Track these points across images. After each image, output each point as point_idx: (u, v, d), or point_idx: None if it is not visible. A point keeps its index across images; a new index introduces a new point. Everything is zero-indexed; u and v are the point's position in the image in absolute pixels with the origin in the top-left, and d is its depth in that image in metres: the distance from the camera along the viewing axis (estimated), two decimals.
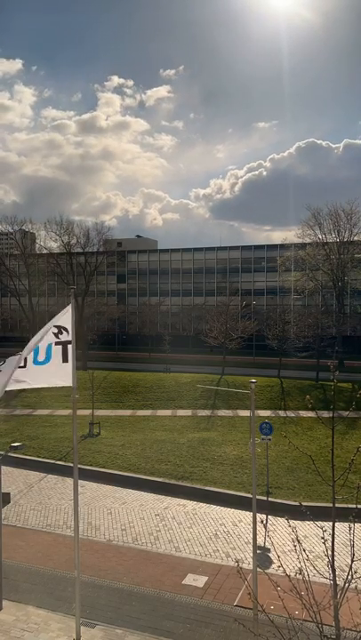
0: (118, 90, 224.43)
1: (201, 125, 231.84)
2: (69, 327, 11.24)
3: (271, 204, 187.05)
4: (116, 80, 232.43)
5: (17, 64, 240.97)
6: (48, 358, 11.09)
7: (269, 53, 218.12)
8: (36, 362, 11.00)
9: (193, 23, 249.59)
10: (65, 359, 11.16)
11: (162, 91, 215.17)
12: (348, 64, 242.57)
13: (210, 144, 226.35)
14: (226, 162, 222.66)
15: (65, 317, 11.36)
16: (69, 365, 11.21)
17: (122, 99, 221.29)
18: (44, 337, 11.05)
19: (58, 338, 11.14)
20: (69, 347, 11.21)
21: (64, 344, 11.17)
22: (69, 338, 11.21)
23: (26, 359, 10.82)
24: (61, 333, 11.17)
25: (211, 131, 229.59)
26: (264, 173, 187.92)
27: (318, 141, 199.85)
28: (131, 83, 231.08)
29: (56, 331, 11.15)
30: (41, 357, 11.04)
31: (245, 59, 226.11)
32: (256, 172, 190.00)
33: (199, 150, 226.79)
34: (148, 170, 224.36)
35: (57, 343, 11.13)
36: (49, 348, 11.08)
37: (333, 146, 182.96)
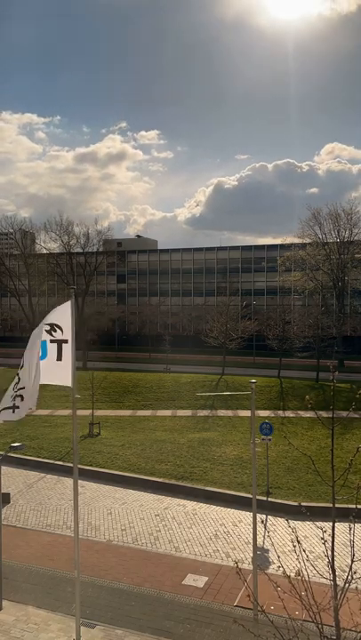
0: (121, 132, 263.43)
1: (187, 157, 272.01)
2: (66, 326, 11.12)
3: (250, 213, 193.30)
4: (121, 124, 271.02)
5: (46, 119, 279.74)
6: (44, 355, 11.14)
7: (251, 93, 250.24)
8: (41, 357, 11.13)
9: (185, 93, 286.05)
10: (59, 357, 11.13)
11: (152, 134, 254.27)
12: (335, 100, 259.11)
13: (195, 170, 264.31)
14: (205, 183, 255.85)
15: (59, 315, 11.23)
16: (66, 365, 11.13)
17: (122, 138, 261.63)
18: (41, 334, 11.07)
19: (52, 335, 11.08)
20: (64, 345, 11.11)
21: (59, 342, 11.11)
22: (64, 337, 11.09)
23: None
24: (55, 331, 11.06)
25: (195, 161, 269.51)
26: (240, 183, 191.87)
27: (290, 160, 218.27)
28: (130, 128, 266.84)
29: (48, 328, 11.08)
30: (41, 354, 11.14)
31: (227, 105, 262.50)
32: (230, 185, 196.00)
33: (185, 176, 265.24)
34: (142, 190, 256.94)
35: (52, 341, 11.10)
36: (44, 344, 11.11)
37: (292, 162, 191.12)
